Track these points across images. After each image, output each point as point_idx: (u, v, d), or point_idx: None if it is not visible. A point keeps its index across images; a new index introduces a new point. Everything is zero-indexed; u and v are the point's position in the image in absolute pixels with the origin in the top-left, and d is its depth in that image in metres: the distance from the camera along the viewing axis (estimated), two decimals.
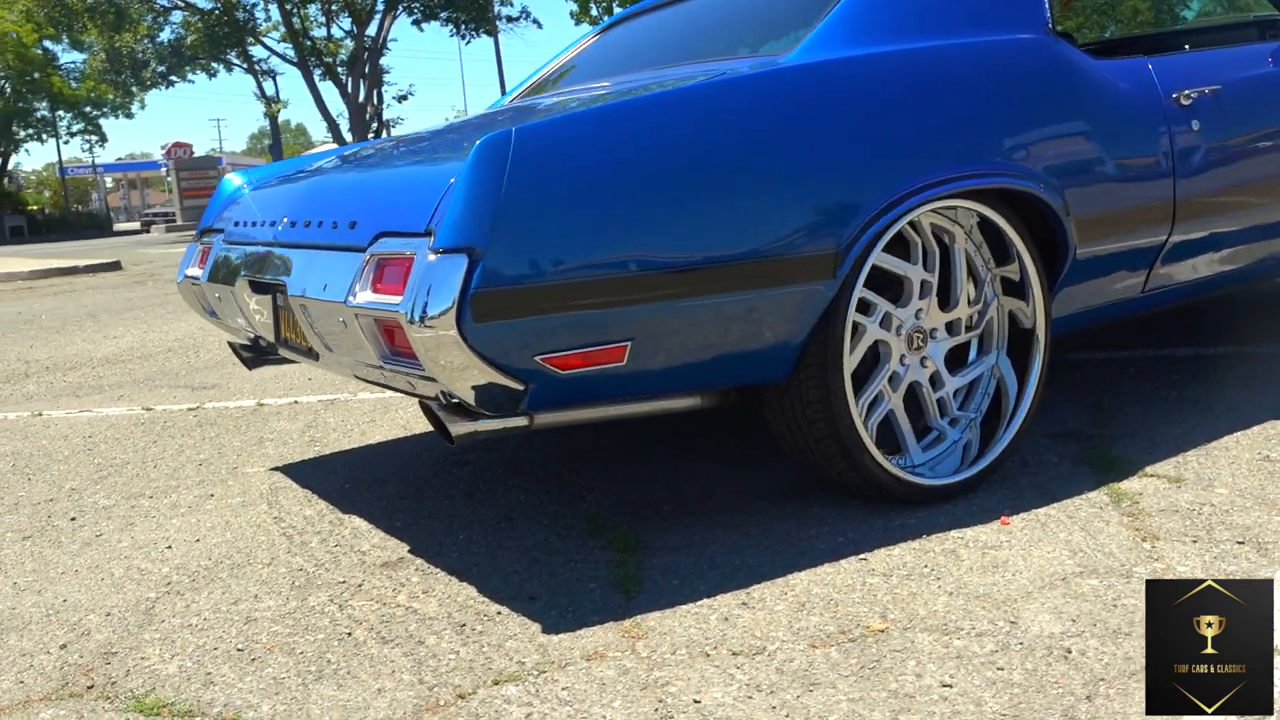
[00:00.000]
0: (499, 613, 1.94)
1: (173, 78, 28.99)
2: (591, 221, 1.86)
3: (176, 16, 26.95)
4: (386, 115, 31.56)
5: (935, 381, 2.38)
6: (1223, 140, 2.70)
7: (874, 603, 1.87)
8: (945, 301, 2.38)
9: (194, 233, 3.08)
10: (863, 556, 2.07)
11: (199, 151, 48.60)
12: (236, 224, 2.77)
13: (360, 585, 2.13)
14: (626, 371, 1.94)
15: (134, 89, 31.15)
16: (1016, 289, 2.45)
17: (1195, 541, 2.03)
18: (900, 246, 2.28)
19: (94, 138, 45.16)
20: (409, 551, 2.30)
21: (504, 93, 3.59)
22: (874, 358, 2.31)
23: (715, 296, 1.97)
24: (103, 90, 36.86)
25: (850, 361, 2.22)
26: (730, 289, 1.98)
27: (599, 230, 1.87)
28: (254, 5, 25.92)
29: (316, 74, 27.89)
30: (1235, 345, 3.53)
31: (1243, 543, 2.01)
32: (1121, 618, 1.74)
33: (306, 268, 2.22)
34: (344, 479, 2.89)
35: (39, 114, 42.30)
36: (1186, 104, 2.62)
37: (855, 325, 2.22)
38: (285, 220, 2.45)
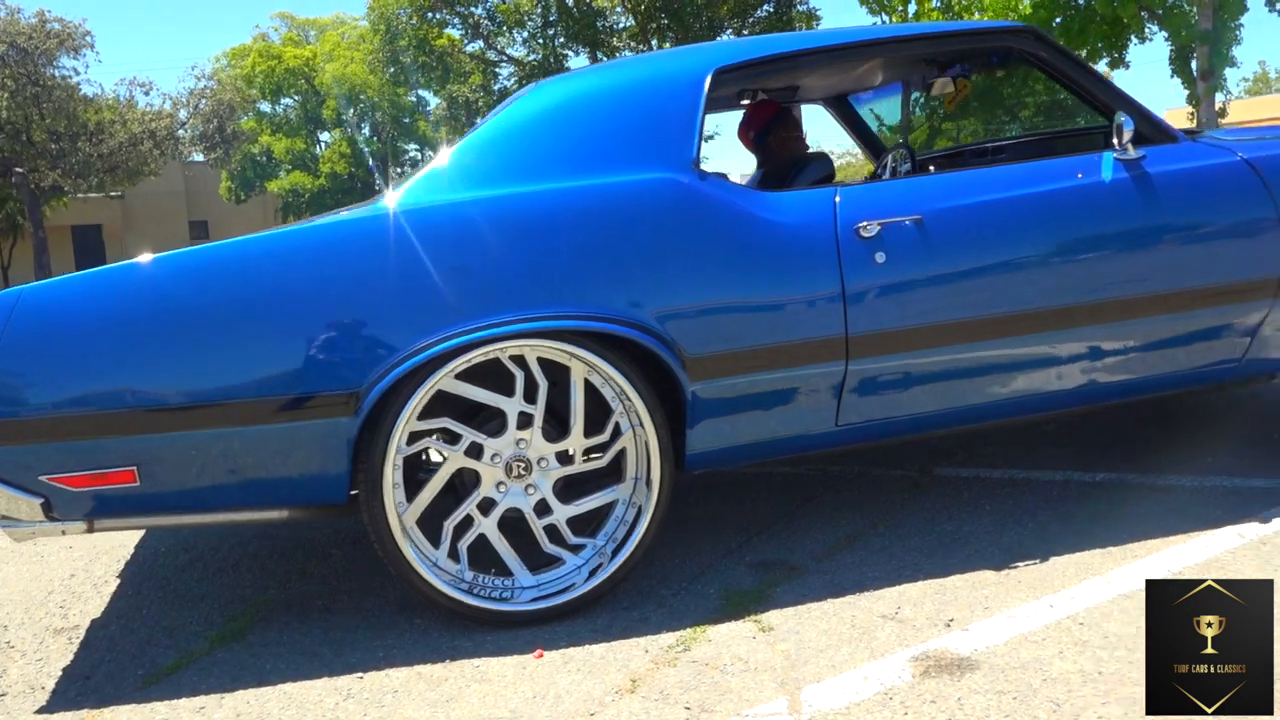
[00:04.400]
0: (42, 688, 2.29)
1: None
2: (81, 368, 2.18)
3: (502, 70, 29.38)
4: None
5: (543, 509, 2.47)
6: (921, 272, 2.55)
7: None
8: (565, 430, 2.47)
9: None
10: (363, 675, 2.23)
11: None
12: None
13: (11, 646, 2.55)
14: (147, 491, 2.23)
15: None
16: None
17: (656, 700, 2.03)
18: (505, 381, 2.41)
19: None
20: (93, 619, 2.69)
21: None
22: (476, 480, 2.45)
23: (224, 429, 2.22)
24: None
25: (431, 488, 2.40)
26: (238, 423, 2.22)
27: (89, 375, 2.19)
28: (565, 57, 27.72)
29: None
30: (1133, 473, 3.13)
31: (690, 709, 1.98)
32: None
33: None
34: (185, 548, 3.27)
35: (410, 155, 47.72)
36: (869, 236, 2.52)
37: (436, 453, 2.39)
38: None
